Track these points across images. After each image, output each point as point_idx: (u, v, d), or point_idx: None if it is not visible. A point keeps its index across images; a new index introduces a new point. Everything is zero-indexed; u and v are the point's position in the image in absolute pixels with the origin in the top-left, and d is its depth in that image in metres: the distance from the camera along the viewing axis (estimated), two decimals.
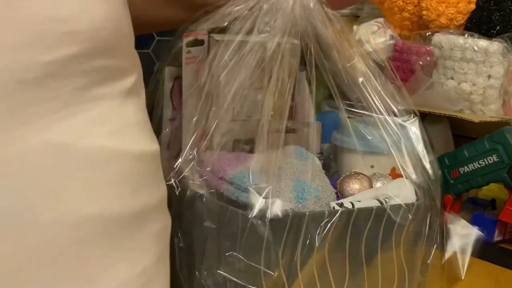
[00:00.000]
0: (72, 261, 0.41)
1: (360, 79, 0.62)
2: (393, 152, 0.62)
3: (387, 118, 0.62)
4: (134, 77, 0.48)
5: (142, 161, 0.47)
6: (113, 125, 0.44)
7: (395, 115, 0.63)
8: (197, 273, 0.58)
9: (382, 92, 0.62)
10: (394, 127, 0.63)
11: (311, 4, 0.60)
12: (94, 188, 0.42)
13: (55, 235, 0.40)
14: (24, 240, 0.39)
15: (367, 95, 0.62)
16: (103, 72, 0.44)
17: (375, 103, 0.62)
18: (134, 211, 0.45)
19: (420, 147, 0.63)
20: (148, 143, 0.48)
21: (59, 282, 0.41)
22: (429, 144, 0.64)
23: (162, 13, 0.70)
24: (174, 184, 0.61)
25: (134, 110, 0.47)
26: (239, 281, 0.55)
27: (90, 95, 0.43)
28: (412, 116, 0.64)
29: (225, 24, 0.62)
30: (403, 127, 0.63)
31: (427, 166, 0.62)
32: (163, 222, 0.50)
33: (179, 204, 0.60)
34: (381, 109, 0.62)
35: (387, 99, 0.63)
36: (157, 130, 0.68)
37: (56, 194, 0.40)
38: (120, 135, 0.45)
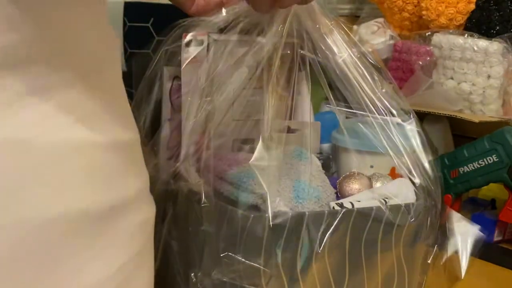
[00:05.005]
0: (36, 266, 0.38)
1: (356, 80, 0.62)
2: (392, 152, 0.62)
3: (386, 118, 0.62)
4: (100, 56, 0.43)
5: (115, 151, 0.43)
6: (78, 114, 0.40)
7: (393, 115, 0.63)
8: (194, 275, 0.58)
9: (379, 93, 0.62)
10: (393, 127, 0.63)
11: (305, 8, 0.60)
12: (59, 185, 0.39)
13: (14, 241, 0.37)
14: None
15: (365, 95, 0.62)
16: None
17: (372, 104, 0.62)
18: (107, 205, 0.42)
19: (418, 147, 0.63)
20: (121, 131, 0.44)
21: None
22: (428, 144, 0.64)
23: None
24: (173, 185, 0.61)
25: (103, 95, 0.43)
26: (238, 283, 0.54)
27: (49, 82, 0.39)
28: (410, 116, 0.64)
29: (224, 24, 0.62)
30: (401, 127, 0.63)
31: (427, 166, 0.62)
32: (144, 213, 0.47)
33: (178, 204, 0.60)
34: (379, 109, 0.62)
35: (384, 99, 0.63)
36: (157, 130, 0.68)
37: (15, 196, 0.37)
38: (87, 124, 0.41)
